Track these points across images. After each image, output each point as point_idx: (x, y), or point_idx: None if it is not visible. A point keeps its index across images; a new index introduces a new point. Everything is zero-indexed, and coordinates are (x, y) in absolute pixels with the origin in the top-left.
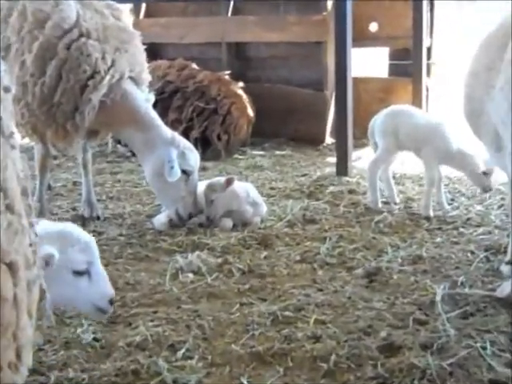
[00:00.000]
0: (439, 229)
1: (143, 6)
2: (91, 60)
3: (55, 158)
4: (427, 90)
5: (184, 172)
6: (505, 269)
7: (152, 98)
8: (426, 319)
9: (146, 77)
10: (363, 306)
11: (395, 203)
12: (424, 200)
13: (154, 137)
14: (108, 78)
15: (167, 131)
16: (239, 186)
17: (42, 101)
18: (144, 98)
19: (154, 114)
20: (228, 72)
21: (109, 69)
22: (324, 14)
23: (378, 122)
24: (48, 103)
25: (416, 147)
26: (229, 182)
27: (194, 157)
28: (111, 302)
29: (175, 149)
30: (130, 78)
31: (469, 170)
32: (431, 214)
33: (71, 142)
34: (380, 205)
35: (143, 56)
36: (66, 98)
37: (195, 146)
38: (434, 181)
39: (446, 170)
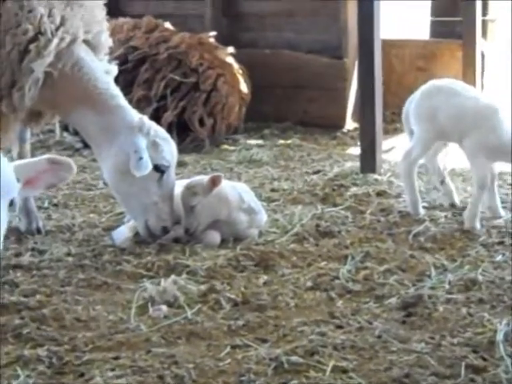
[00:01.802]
0: (500, 243)
1: None
2: (34, 17)
3: None
4: (483, 56)
5: (156, 169)
6: None
7: (114, 69)
8: (484, 365)
9: (106, 41)
10: (398, 347)
11: (453, 204)
12: (469, 208)
13: (116, 121)
14: (56, 41)
15: (133, 114)
16: (229, 188)
17: None
18: (103, 70)
19: (117, 91)
20: (213, 33)
21: (57, 29)
22: None
23: (413, 102)
24: None
25: (459, 136)
26: (214, 182)
27: (169, 148)
28: None
29: (144, 137)
30: (85, 41)
31: None
32: (478, 226)
33: (6, 129)
34: (421, 210)
35: (103, 13)
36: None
37: (169, 133)
38: (485, 182)
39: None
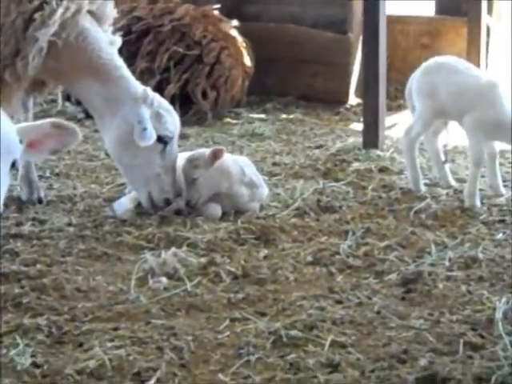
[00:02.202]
0: (501, 221)
1: None
2: None
3: None
4: (488, 33)
5: (159, 140)
6: None
7: (118, 40)
8: (482, 343)
9: (111, 12)
10: (397, 324)
11: (450, 186)
12: (468, 185)
13: (120, 92)
14: (61, 10)
15: (137, 85)
16: (231, 161)
17: None
18: (107, 41)
19: (121, 62)
20: (217, 6)
21: None
22: None
23: (415, 78)
24: None
25: (459, 113)
26: (216, 155)
27: (172, 119)
28: None
29: (147, 108)
30: (90, 12)
31: None
32: (478, 203)
33: (9, 97)
34: (422, 187)
35: None
36: (3, 37)
37: (172, 105)
38: (480, 159)
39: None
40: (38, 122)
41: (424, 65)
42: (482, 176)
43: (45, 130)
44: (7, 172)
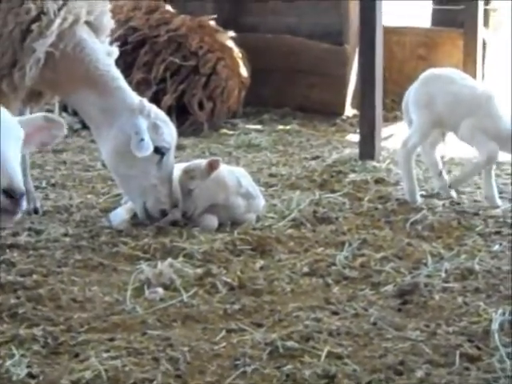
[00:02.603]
0: (497, 233)
1: None
2: None
3: None
4: (484, 45)
5: (156, 151)
6: None
7: (115, 51)
8: (479, 354)
9: (108, 23)
10: (393, 335)
11: (449, 197)
12: (461, 174)
13: (117, 103)
14: (58, 21)
15: (134, 96)
16: (227, 172)
17: None
18: (105, 51)
19: (118, 73)
20: (214, 17)
21: (59, 9)
22: None
23: (412, 90)
24: None
25: (455, 124)
26: (212, 166)
27: (169, 130)
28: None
29: (144, 119)
30: (87, 23)
31: None
32: (454, 195)
33: (6, 107)
34: (419, 199)
35: None
36: (1, 48)
37: (169, 116)
38: (493, 156)
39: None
40: (32, 116)
41: (421, 76)
42: (478, 187)
43: (38, 123)
44: (19, 154)
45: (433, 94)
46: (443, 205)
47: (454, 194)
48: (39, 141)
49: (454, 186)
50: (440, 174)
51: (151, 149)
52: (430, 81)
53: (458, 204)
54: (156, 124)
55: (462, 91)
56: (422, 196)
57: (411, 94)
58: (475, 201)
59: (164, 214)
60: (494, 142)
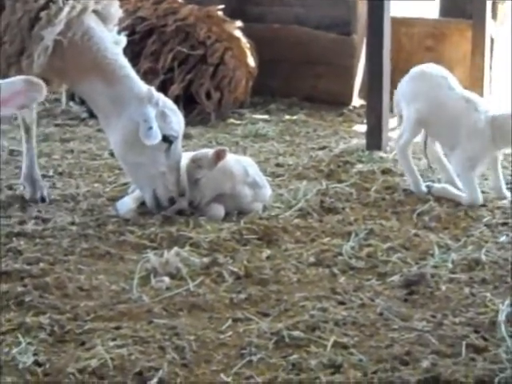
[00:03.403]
0: (504, 224)
1: None
2: None
3: None
4: (492, 39)
5: (164, 139)
6: None
7: (123, 40)
8: (485, 345)
9: (116, 12)
10: (400, 325)
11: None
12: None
13: (125, 92)
14: (67, 9)
15: (142, 85)
16: (234, 161)
17: None
18: (112, 40)
19: (125, 62)
20: (221, 7)
21: None
22: None
23: (402, 84)
24: None
25: (437, 130)
26: (219, 156)
27: (177, 119)
28: None
29: (153, 108)
30: (95, 12)
31: None
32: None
33: None
34: (424, 188)
35: None
36: (9, 36)
37: (176, 105)
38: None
39: None
40: (11, 79)
41: (411, 71)
42: (486, 179)
43: (18, 86)
44: None
45: (417, 91)
46: None
47: (507, 193)
48: (16, 103)
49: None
50: (429, 166)
51: (159, 137)
52: (420, 77)
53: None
54: (164, 112)
55: (443, 95)
56: (428, 187)
57: (401, 90)
58: (482, 192)
59: (172, 201)
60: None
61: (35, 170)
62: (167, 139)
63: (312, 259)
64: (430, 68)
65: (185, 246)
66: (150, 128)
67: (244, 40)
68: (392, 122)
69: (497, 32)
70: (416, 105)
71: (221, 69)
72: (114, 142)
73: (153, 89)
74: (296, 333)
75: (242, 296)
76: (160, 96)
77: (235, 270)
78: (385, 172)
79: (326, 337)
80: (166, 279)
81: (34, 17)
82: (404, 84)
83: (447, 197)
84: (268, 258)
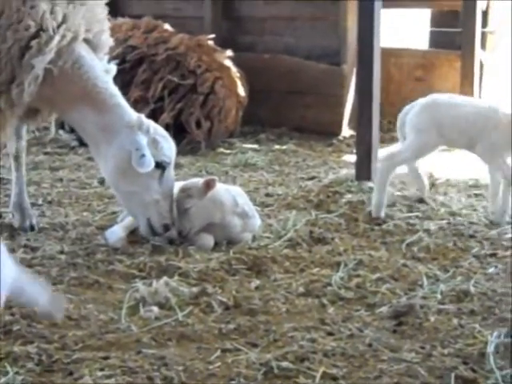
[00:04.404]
0: (493, 255)
1: None
2: (36, 13)
3: None
4: (481, 67)
5: (157, 165)
6: None
7: (113, 69)
8: (474, 377)
9: (107, 40)
10: (389, 356)
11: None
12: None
13: (115, 120)
14: (57, 38)
15: (132, 113)
16: (224, 191)
17: None
18: (103, 69)
19: (116, 91)
20: (212, 36)
21: (59, 26)
22: None
23: (411, 113)
24: None
25: (468, 143)
26: (209, 185)
27: (168, 145)
28: None
29: (144, 135)
30: (86, 40)
31: None
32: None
33: (3, 125)
34: (383, 214)
35: (104, 12)
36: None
37: None
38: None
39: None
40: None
41: (422, 101)
42: (474, 209)
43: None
44: None
45: (437, 118)
46: (439, 227)
47: (508, 219)
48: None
49: (499, 220)
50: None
51: (153, 164)
52: (434, 106)
53: (454, 226)
54: (155, 139)
55: (466, 111)
56: (417, 217)
57: (411, 118)
58: (471, 222)
59: (167, 228)
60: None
61: (24, 198)
62: (160, 165)
63: (301, 289)
64: (440, 95)
65: (174, 275)
66: (143, 156)
67: (234, 69)
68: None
69: (486, 60)
70: (438, 130)
71: (211, 98)
72: (105, 171)
73: (143, 116)
74: (285, 363)
75: (231, 326)
76: (150, 123)
77: (224, 300)
78: None
79: (315, 368)
80: (155, 309)
81: (24, 45)
82: (417, 114)
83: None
84: (257, 288)
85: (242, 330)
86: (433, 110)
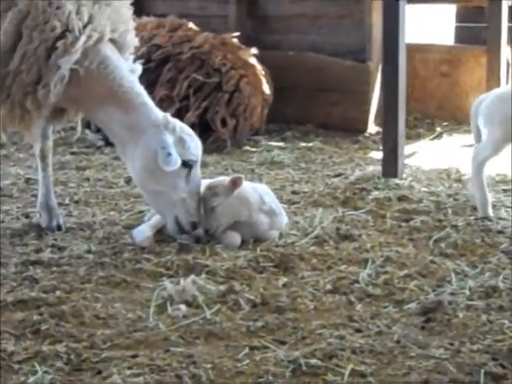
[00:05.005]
0: None
1: None
2: (62, 14)
3: (1, 146)
4: (508, 63)
5: (184, 164)
6: None
7: (139, 68)
8: (503, 373)
9: (132, 40)
10: (417, 353)
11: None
12: None
13: (141, 119)
14: (83, 38)
15: (158, 112)
16: (250, 189)
17: None
18: (128, 69)
19: (141, 90)
20: (237, 34)
21: (85, 27)
22: None
23: (484, 104)
24: (1, 71)
25: None
26: (235, 183)
27: (195, 143)
28: None
29: (170, 134)
30: (112, 40)
31: None
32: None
33: (30, 125)
34: (491, 212)
35: (129, 12)
36: (26, 65)
37: None
38: None
39: None
40: None
41: (496, 92)
42: (503, 205)
43: None
44: None
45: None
46: (467, 222)
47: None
48: None
49: None
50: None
51: (179, 163)
52: (507, 97)
53: (482, 222)
54: (182, 138)
55: None
56: (444, 214)
57: (484, 108)
58: (499, 218)
59: (195, 226)
60: None
61: (51, 198)
62: (187, 164)
63: (329, 287)
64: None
65: (201, 273)
66: (169, 154)
67: (259, 67)
68: (407, 149)
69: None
70: (507, 124)
71: (236, 96)
72: (133, 171)
73: (168, 115)
74: (313, 361)
75: (259, 324)
76: (176, 122)
77: (252, 297)
78: (401, 199)
79: (344, 365)
80: (183, 307)
81: (50, 46)
82: (491, 105)
83: None
84: (284, 285)
85: (269, 328)
86: (506, 101)
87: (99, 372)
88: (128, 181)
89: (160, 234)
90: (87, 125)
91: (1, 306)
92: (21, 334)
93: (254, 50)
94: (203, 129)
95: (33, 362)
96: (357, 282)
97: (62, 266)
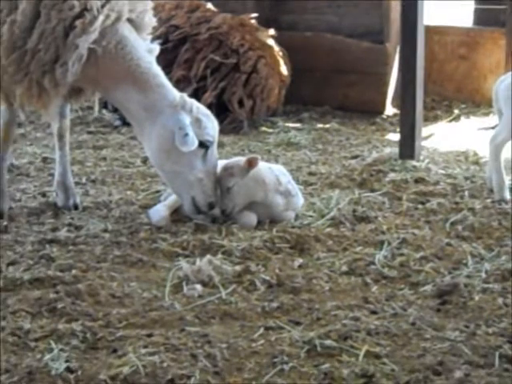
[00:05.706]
0: None
1: None
2: None
3: (19, 125)
4: None
5: (201, 145)
6: None
7: (156, 48)
8: None
9: (150, 21)
10: (432, 335)
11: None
12: None
13: (158, 99)
14: (101, 18)
15: (175, 93)
16: (266, 170)
17: (11, 46)
18: (146, 49)
19: (159, 71)
20: (255, 15)
21: (103, 6)
22: None
23: (504, 84)
24: (19, 50)
25: None
26: (251, 164)
27: (211, 124)
28: None
29: (187, 114)
30: (129, 20)
31: None
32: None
33: (47, 104)
34: (508, 195)
35: None
36: (44, 44)
37: None
38: None
39: None
40: None
41: None
42: None
43: None
44: None
45: None
46: (484, 205)
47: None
48: None
49: None
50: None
51: (196, 143)
52: None
53: (499, 204)
54: (199, 118)
55: None
56: (461, 197)
57: (503, 89)
58: None
59: (212, 206)
60: None
61: (68, 177)
62: (203, 145)
63: (344, 268)
64: None
65: (217, 253)
66: (186, 135)
67: (277, 48)
68: (425, 131)
69: None
70: None
71: (253, 77)
72: (150, 151)
73: (186, 95)
74: (328, 342)
75: (274, 304)
76: (193, 102)
77: (267, 278)
78: (417, 181)
79: (359, 346)
80: (198, 287)
81: (68, 25)
82: (507, 86)
83: None
84: (300, 266)
85: (285, 308)
86: None
87: (115, 350)
88: (145, 161)
89: (176, 214)
90: (104, 104)
91: (17, 284)
92: (37, 312)
93: (271, 31)
94: (220, 109)
95: (49, 340)
96: (373, 263)
97: (79, 245)
